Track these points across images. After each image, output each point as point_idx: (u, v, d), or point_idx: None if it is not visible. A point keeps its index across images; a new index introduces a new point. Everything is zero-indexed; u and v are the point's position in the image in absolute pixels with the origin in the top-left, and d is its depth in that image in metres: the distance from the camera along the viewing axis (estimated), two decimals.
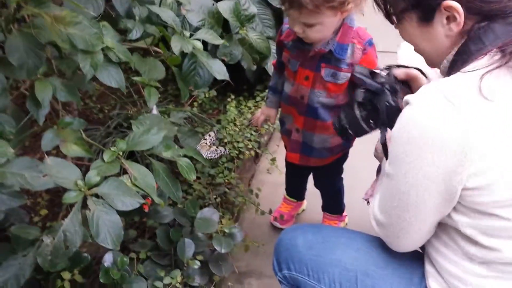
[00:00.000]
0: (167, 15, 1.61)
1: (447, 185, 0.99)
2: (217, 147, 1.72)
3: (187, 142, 2.28)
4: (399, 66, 1.30)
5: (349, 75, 1.68)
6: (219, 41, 1.68)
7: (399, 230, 1.13)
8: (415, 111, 0.99)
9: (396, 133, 1.03)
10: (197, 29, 1.79)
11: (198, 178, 2.27)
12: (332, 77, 1.70)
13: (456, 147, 0.93)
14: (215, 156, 1.70)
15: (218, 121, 2.67)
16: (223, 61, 1.79)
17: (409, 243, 1.16)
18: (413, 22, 1.08)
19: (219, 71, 1.67)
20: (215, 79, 1.72)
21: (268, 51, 1.93)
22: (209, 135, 1.75)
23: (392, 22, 1.14)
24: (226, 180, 2.31)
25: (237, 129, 2.59)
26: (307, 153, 1.91)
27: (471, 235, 1.03)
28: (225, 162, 2.40)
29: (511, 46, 0.97)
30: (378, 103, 1.26)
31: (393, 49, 2.88)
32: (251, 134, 2.59)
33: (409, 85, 1.33)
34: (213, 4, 1.88)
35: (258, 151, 2.62)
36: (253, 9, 1.90)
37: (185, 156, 1.57)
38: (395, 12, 1.10)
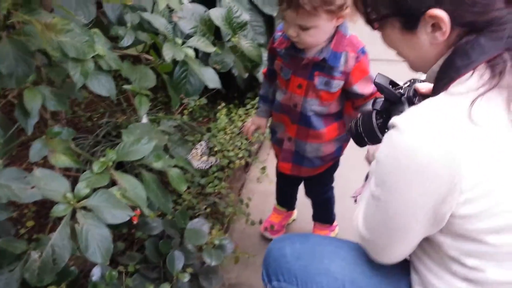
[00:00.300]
0: (159, 22, 1.58)
1: (436, 212, 0.96)
2: (208, 157, 1.69)
3: (177, 151, 2.24)
4: (423, 81, 1.27)
5: (342, 83, 1.67)
6: (211, 49, 1.65)
7: (383, 248, 1.12)
8: (404, 137, 0.94)
9: (384, 158, 1.00)
10: (189, 36, 1.76)
11: (188, 187, 2.23)
12: (325, 85, 1.68)
13: (447, 176, 0.90)
14: (206, 166, 1.66)
15: (209, 129, 2.64)
16: (214, 69, 1.77)
17: (392, 258, 1.14)
18: (395, 29, 1.02)
19: (211, 79, 1.64)
20: (205, 87, 1.69)
21: (260, 59, 1.90)
22: (200, 145, 1.72)
23: (373, 28, 1.07)
24: (216, 190, 2.28)
25: (227, 138, 2.55)
26: (298, 162, 1.89)
27: (454, 256, 1.02)
28: (215, 172, 2.37)
29: (500, 65, 0.92)
30: (394, 113, 1.24)
31: (384, 56, 2.87)
32: (242, 143, 2.56)
33: None
34: (205, 11, 1.85)
35: (248, 160, 2.59)
36: (245, 16, 1.87)
37: (175, 166, 1.54)
38: (377, 17, 1.04)
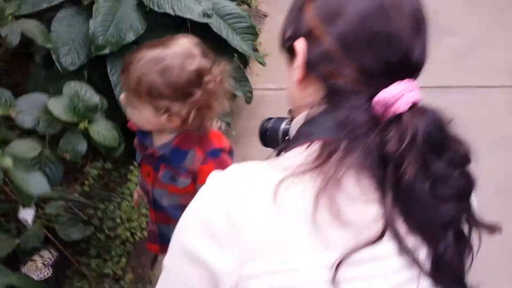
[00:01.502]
0: None
1: None
2: (46, 267, 1.56)
3: (68, 232, 2.13)
4: None
5: (189, 180, 1.50)
6: (34, 153, 1.51)
7: None
8: (204, 194, 0.80)
9: (183, 219, 0.82)
10: (28, 131, 1.64)
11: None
12: (171, 179, 1.51)
13: (230, 253, 0.71)
14: (43, 277, 1.54)
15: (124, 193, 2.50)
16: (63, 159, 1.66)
17: None
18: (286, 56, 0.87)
19: (39, 185, 1.50)
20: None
21: (115, 142, 1.75)
22: (40, 255, 1.60)
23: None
24: (112, 271, 2.15)
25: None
26: (166, 243, 1.74)
27: None
28: (116, 247, 2.23)
29: (331, 149, 0.72)
30: None
31: None
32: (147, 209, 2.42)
33: None
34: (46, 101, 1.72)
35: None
36: (95, 98, 1.74)
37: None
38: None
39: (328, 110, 0.77)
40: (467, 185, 0.75)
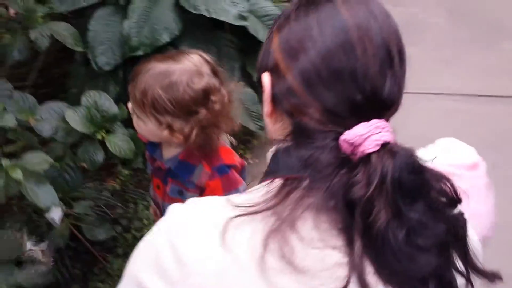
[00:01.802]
0: None
1: None
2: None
3: (94, 232, 2.16)
4: None
5: (197, 196, 1.48)
6: (45, 166, 1.53)
7: None
8: (158, 231, 0.73)
9: (138, 248, 0.74)
10: (47, 140, 1.67)
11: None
12: (179, 194, 1.50)
13: None
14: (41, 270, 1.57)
15: None
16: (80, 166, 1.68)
17: None
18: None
19: (47, 198, 1.53)
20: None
21: (132, 154, 1.74)
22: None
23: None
24: None
25: None
26: None
27: None
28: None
29: (291, 187, 0.67)
30: None
31: None
32: None
33: None
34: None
35: None
36: (114, 108, 1.74)
37: None
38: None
39: (293, 147, 0.72)
40: (452, 230, 0.67)
